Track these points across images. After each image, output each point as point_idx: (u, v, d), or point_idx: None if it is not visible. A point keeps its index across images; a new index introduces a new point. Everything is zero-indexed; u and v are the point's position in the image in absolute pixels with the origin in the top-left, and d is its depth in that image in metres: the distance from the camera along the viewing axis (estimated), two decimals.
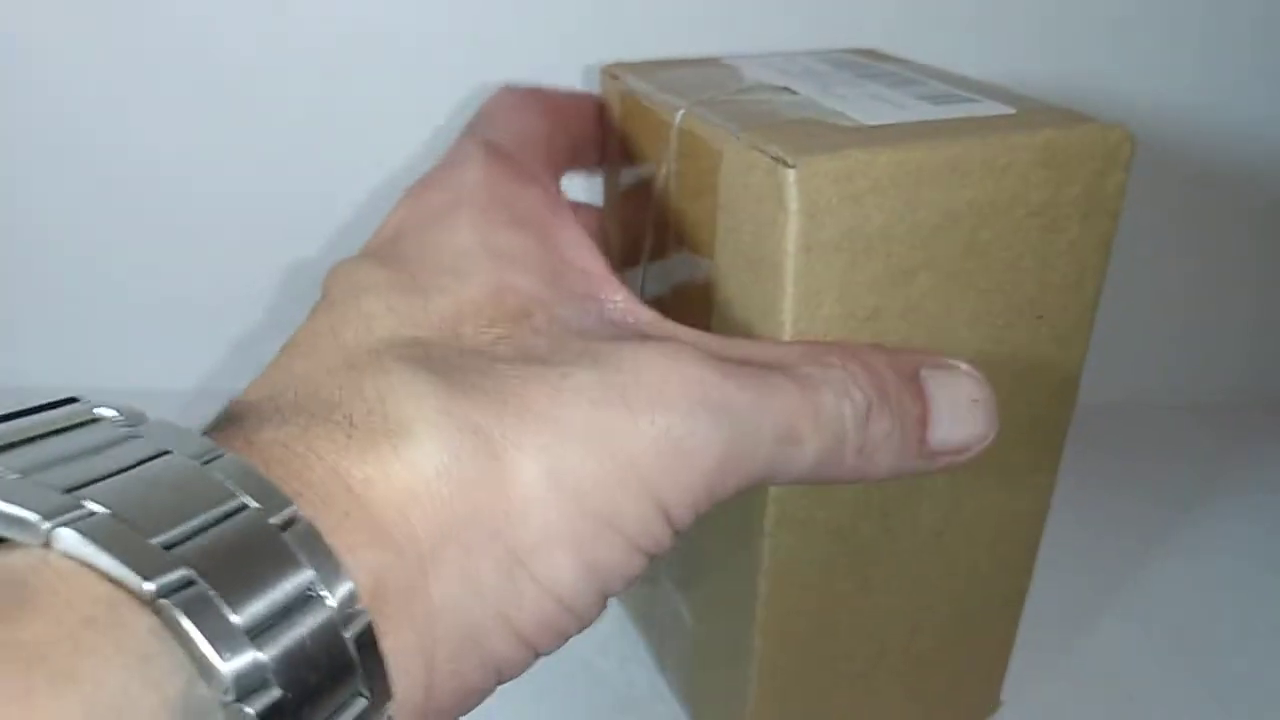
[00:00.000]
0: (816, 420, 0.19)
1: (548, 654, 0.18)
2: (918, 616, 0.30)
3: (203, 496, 0.13)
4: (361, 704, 0.14)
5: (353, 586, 0.14)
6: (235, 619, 0.12)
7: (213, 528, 0.13)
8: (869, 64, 0.32)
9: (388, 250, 0.21)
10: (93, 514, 0.12)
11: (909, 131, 0.23)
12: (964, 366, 0.22)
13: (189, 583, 0.12)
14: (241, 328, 0.48)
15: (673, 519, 0.18)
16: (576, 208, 0.25)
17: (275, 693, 0.13)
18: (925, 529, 0.28)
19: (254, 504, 0.14)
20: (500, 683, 0.18)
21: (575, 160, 0.30)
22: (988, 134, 0.23)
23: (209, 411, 0.17)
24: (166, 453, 0.14)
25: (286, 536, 0.14)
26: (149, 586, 0.12)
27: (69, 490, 0.13)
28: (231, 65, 0.43)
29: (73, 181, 0.45)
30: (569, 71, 0.34)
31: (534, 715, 0.35)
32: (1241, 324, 0.54)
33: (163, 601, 0.12)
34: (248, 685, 0.12)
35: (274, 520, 0.14)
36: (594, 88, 0.32)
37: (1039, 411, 0.28)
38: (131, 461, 0.14)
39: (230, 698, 0.12)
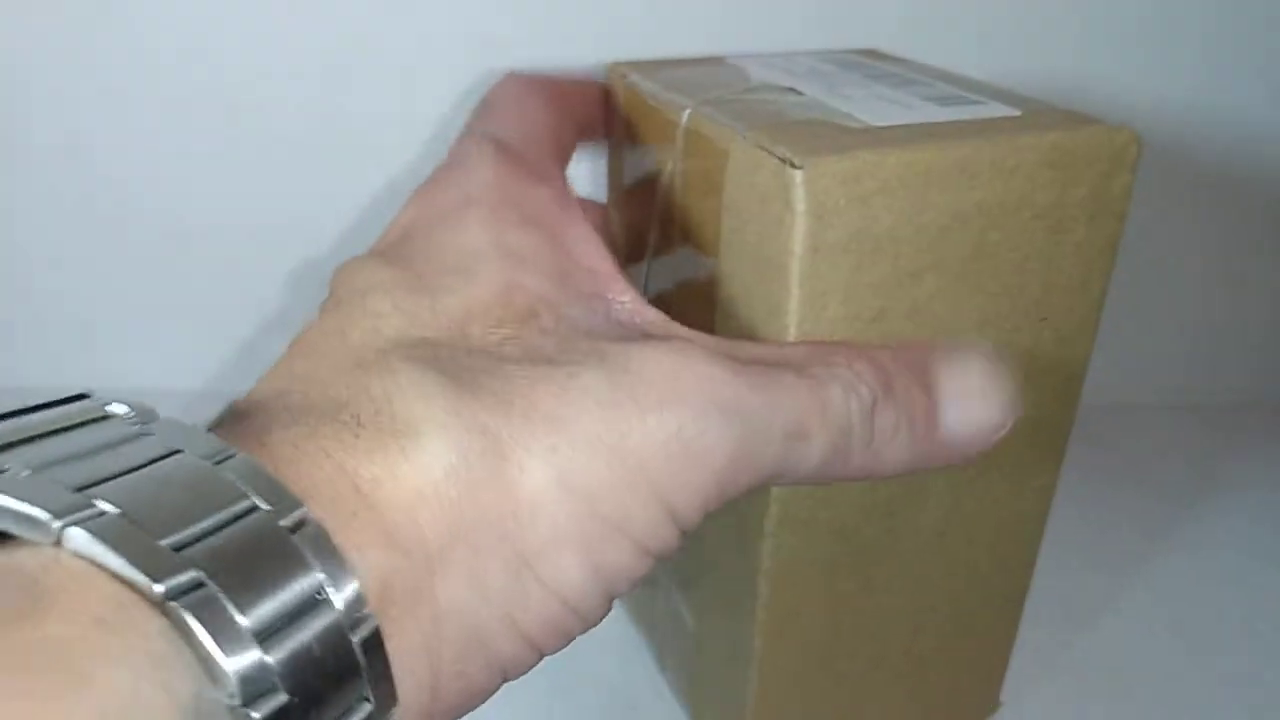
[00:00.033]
0: (824, 417, 0.19)
1: (553, 654, 0.18)
2: (918, 617, 0.30)
3: (213, 497, 0.13)
4: (367, 708, 0.14)
5: (361, 589, 0.14)
6: (244, 621, 0.12)
7: (223, 529, 0.13)
8: (874, 65, 0.32)
9: (396, 250, 0.21)
10: (103, 513, 0.12)
11: (916, 133, 0.23)
12: (976, 356, 0.22)
13: (199, 584, 0.12)
14: (245, 330, 0.47)
15: (681, 520, 0.18)
16: (584, 205, 0.24)
17: (282, 696, 0.12)
18: (926, 529, 0.28)
19: (264, 505, 0.14)
20: (505, 682, 0.18)
21: (581, 139, 0.29)
22: (995, 136, 0.23)
23: (211, 413, 0.17)
24: (177, 452, 0.14)
25: (296, 538, 0.14)
26: (159, 588, 0.12)
27: (79, 489, 0.13)
28: (234, 66, 0.43)
29: (74, 183, 0.45)
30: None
31: (534, 715, 0.35)
32: (1246, 325, 0.54)
33: (172, 603, 0.12)
34: (254, 688, 0.12)
35: (284, 522, 0.14)
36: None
37: (1042, 412, 0.28)
38: (142, 460, 0.14)
39: (237, 701, 0.12)
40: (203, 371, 0.48)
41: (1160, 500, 0.47)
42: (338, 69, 0.43)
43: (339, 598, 0.14)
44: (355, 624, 0.14)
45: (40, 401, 0.15)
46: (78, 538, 0.12)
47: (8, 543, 0.12)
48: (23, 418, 0.14)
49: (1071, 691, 0.37)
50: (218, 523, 0.13)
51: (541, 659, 0.18)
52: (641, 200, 0.30)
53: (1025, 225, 0.24)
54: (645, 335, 0.20)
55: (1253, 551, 0.44)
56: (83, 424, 0.14)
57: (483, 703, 0.17)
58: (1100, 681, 0.37)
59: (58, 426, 0.14)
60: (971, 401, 0.21)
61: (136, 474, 0.13)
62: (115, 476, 0.13)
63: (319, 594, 0.13)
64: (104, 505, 0.12)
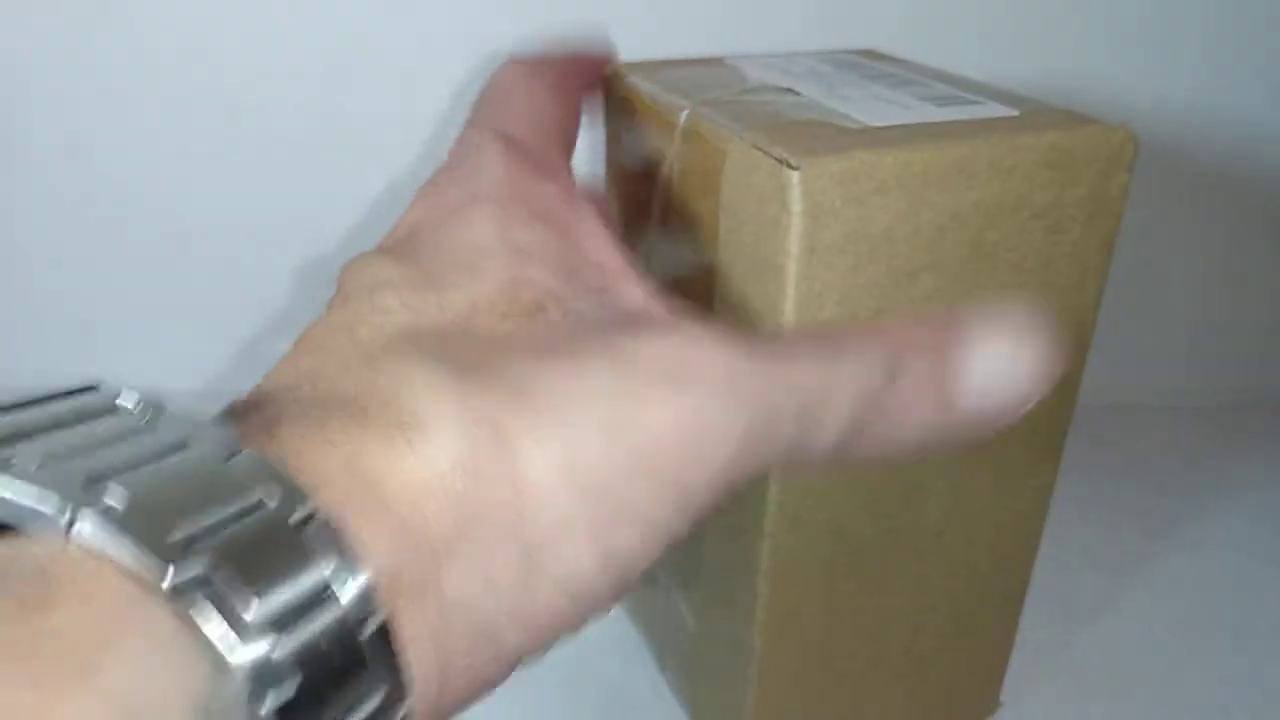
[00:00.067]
0: (837, 396, 0.18)
1: (563, 642, 0.18)
2: (918, 617, 0.30)
3: (223, 490, 0.13)
4: (377, 700, 0.14)
5: (370, 583, 0.14)
6: (254, 613, 0.12)
7: (233, 522, 0.13)
8: (871, 65, 0.32)
9: (403, 247, 0.21)
10: (113, 505, 0.12)
11: (913, 133, 0.23)
12: (1003, 325, 0.20)
13: (209, 576, 0.12)
14: (245, 330, 0.47)
15: (694, 506, 0.18)
16: (590, 195, 0.24)
17: (292, 688, 0.12)
18: (925, 529, 0.28)
19: (274, 498, 0.14)
20: (514, 671, 0.17)
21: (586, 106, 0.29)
22: (993, 136, 0.23)
23: (212, 412, 0.17)
24: (186, 444, 0.14)
25: (306, 532, 0.14)
26: (169, 579, 0.12)
27: (89, 480, 0.13)
28: (234, 66, 0.43)
29: (74, 183, 0.45)
30: None
31: (534, 715, 0.35)
32: (1246, 325, 0.54)
33: (182, 595, 0.12)
34: (264, 680, 0.12)
35: (294, 514, 0.14)
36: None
37: (1039, 412, 0.28)
38: (152, 453, 0.14)
39: (246, 693, 0.12)
40: (203, 371, 0.48)
41: (1160, 500, 0.47)
42: (338, 69, 0.44)
43: (349, 590, 0.14)
44: (365, 616, 0.14)
45: (49, 393, 0.15)
46: (87, 529, 0.12)
47: (17, 534, 0.12)
48: (32, 409, 0.14)
49: (1071, 691, 0.37)
50: (227, 515, 0.13)
51: (551, 647, 0.18)
52: (639, 200, 0.30)
53: (1023, 225, 0.24)
54: (654, 324, 0.19)
55: (1253, 551, 0.44)
56: (92, 416, 0.14)
57: (492, 692, 0.17)
58: (1100, 681, 0.37)
59: (67, 418, 0.14)
60: (996, 375, 0.20)
61: (146, 466, 0.13)
62: (125, 469, 0.13)
63: (328, 586, 0.13)
64: (114, 497, 0.12)
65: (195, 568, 0.12)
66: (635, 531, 0.17)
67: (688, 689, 0.35)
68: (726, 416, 0.17)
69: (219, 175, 0.45)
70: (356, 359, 0.17)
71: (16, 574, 0.12)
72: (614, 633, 0.39)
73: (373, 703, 0.14)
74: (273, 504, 0.14)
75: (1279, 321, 0.54)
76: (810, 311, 0.23)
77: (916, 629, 0.31)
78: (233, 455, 0.14)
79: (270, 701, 0.12)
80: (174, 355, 0.48)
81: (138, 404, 0.15)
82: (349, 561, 0.14)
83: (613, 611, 0.41)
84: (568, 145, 0.25)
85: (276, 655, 0.12)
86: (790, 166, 0.22)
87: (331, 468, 0.15)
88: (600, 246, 0.22)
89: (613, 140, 0.32)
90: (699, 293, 0.27)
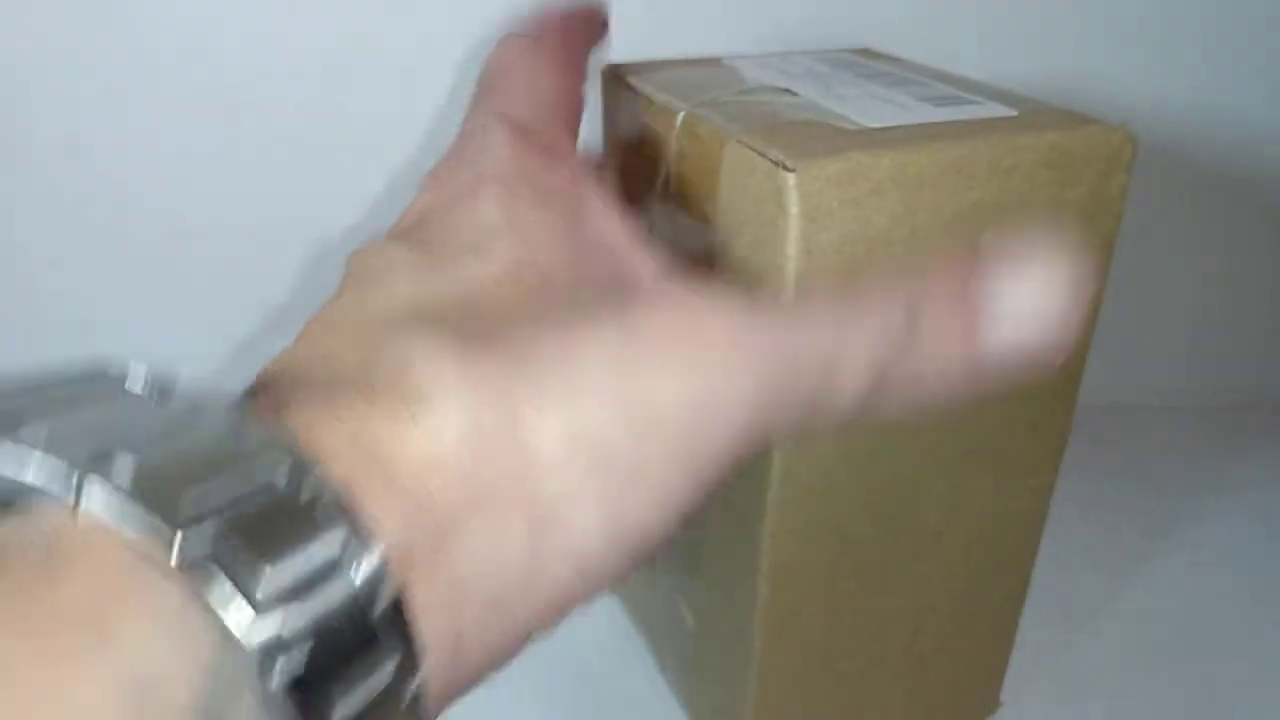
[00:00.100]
0: (853, 353, 0.18)
1: (577, 613, 0.17)
2: (918, 617, 0.30)
3: (232, 463, 0.13)
4: (390, 673, 0.14)
5: (382, 556, 0.14)
6: (264, 586, 0.12)
7: (242, 494, 0.13)
8: (869, 64, 0.32)
9: (412, 232, 0.20)
10: (121, 476, 0.12)
11: (911, 134, 0.23)
12: (1031, 268, 0.19)
13: (218, 548, 0.12)
14: (245, 330, 0.47)
15: (707, 473, 0.17)
16: (596, 171, 0.24)
17: (302, 660, 0.12)
18: (925, 529, 0.28)
19: (284, 471, 0.14)
20: (529, 643, 0.17)
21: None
22: (992, 136, 0.23)
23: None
24: (195, 419, 0.14)
25: (317, 505, 0.14)
26: (178, 550, 0.12)
27: (97, 452, 0.13)
28: (234, 66, 0.43)
29: (74, 183, 0.45)
30: None
31: (534, 715, 0.35)
32: (1244, 325, 0.54)
33: (191, 566, 0.12)
34: (275, 652, 0.12)
35: (304, 488, 0.14)
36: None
37: (1039, 413, 0.28)
38: (160, 427, 0.14)
39: (256, 664, 0.12)
40: (203, 371, 0.48)
41: (1160, 500, 0.47)
42: (338, 69, 0.44)
43: (361, 563, 0.13)
44: (377, 589, 0.14)
45: (56, 371, 0.15)
46: (96, 500, 0.12)
47: (25, 507, 0.12)
48: (40, 386, 0.14)
49: (1071, 691, 0.37)
50: (236, 487, 0.13)
51: (564, 619, 0.17)
52: (636, 201, 0.30)
53: (1023, 226, 0.24)
54: (662, 293, 0.19)
55: (1253, 551, 0.44)
56: (100, 392, 0.14)
57: (507, 665, 0.17)
58: (1100, 681, 0.37)
59: (75, 395, 0.14)
60: (1024, 313, 0.18)
61: (156, 439, 0.13)
62: (134, 441, 0.13)
63: (340, 559, 0.13)
64: (122, 468, 0.12)
65: (205, 539, 0.12)
66: (646, 501, 0.17)
67: (688, 689, 0.35)
68: (737, 381, 0.17)
69: (219, 175, 0.45)
70: (364, 339, 0.17)
71: (25, 546, 0.12)
72: (614, 633, 0.39)
73: (384, 676, 0.14)
74: (282, 477, 0.13)
75: (1279, 321, 0.54)
76: None
77: (916, 629, 0.31)
78: (242, 430, 0.14)
79: (280, 673, 0.12)
80: (174, 355, 0.48)
81: (146, 381, 0.15)
82: (360, 535, 0.14)
83: (613, 611, 0.41)
84: (573, 119, 0.25)
85: (287, 627, 0.12)
86: (786, 169, 0.22)
87: (339, 443, 0.15)
88: (607, 225, 0.21)
89: (609, 140, 0.32)
90: None
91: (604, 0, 0.28)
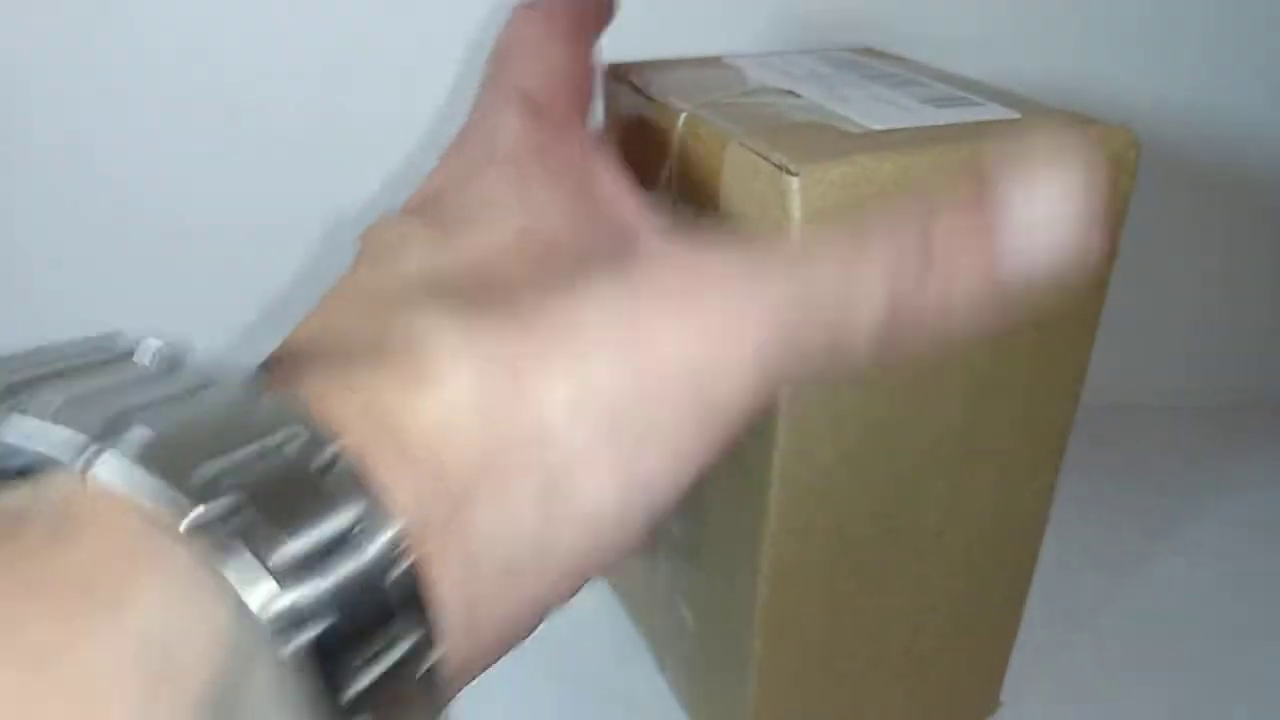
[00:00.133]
0: (865, 289, 0.17)
1: (594, 580, 0.17)
2: (918, 617, 0.30)
3: (246, 431, 0.13)
4: (408, 646, 0.14)
5: (398, 526, 0.14)
6: (282, 556, 0.12)
7: (256, 462, 0.13)
8: (872, 64, 0.32)
9: (425, 208, 0.20)
10: (134, 444, 0.12)
11: (914, 137, 0.23)
12: (1043, 174, 0.18)
13: (234, 514, 0.12)
14: (244, 328, 0.47)
15: (719, 427, 0.17)
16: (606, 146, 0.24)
17: (321, 629, 0.12)
18: (925, 529, 0.28)
19: (298, 440, 0.13)
20: (547, 615, 0.17)
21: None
22: (994, 139, 0.23)
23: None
24: (209, 389, 0.14)
25: (331, 474, 0.13)
26: (193, 516, 0.12)
27: (111, 420, 0.12)
28: (234, 66, 0.43)
29: (74, 183, 0.45)
30: None
31: (534, 715, 0.35)
32: (1244, 325, 0.54)
33: (208, 533, 0.12)
34: (291, 620, 0.12)
35: (318, 457, 0.13)
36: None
37: (1041, 413, 0.28)
38: (174, 394, 0.14)
39: (274, 632, 0.12)
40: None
41: (1160, 500, 0.47)
42: (338, 69, 0.44)
43: (377, 533, 0.13)
44: (393, 561, 0.13)
45: (68, 341, 0.15)
46: (109, 467, 0.12)
47: (39, 474, 0.12)
48: (51, 356, 0.14)
49: (1071, 691, 0.37)
50: (250, 455, 0.13)
51: (581, 588, 0.17)
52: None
53: None
54: (667, 249, 0.18)
55: (1253, 551, 0.44)
56: (114, 359, 0.14)
57: (527, 637, 0.17)
58: (1100, 681, 0.37)
59: (88, 364, 0.14)
60: (1039, 232, 0.18)
61: (169, 406, 0.13)
62: (148, 408, 0.13)
63: (356, 528, 0.13)
64: (136, 436, 0.12)
65: (220, 509, 0.12)
66: (659, 460, 0.16)
67: (688, 689, 0.35)
68: (747, 331, 0.17)
69: (219, 175, 0.45)
70: (374, 312, 0.17)
71: (38, 513, 0.12)
72: (614, 633, 0.39)
73: (402, 649, 0.13)
74: (298, 449, 0.13)
75: (1279, 321, 0.54)
76: None
77: (916, 629, 0.31)
78: (256, 401, 0.14)
79: (297, 645, 0.12)
80: None
81: (159, 351, 0.15)
82: (376, 506, 0.14)
83: (613, 611, 0.41)
84: (584, 93, 0.24)
85: (304, 598, 0.12)
86: (790, 172, 0.22)
87: (351, 414, 0.15)
88: (615, 195, 0.21)
89: (611, 140, 0.32)
90: None
91: None
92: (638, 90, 0.29)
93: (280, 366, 0.16)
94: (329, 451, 0.14)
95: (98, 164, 0.44)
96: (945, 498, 0.28)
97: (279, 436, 0.13)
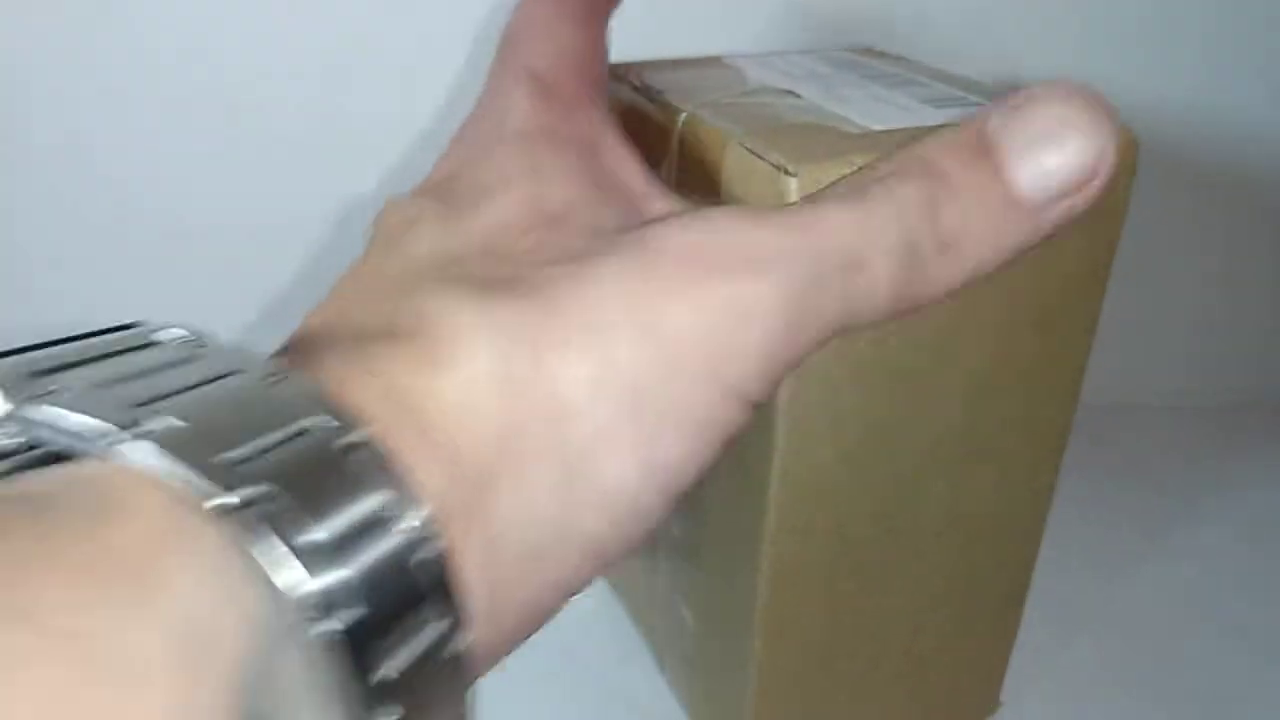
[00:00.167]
0: (878, 237, 0.17)
1: (616, 563, 0.17)
2: (918, 617, 0.30)
3: (272, 415, 0.13)
4: (436, 629, 0.13)
5: (426, 510, 0.14)
6: (309, 538, 0.12)
7: (283, 446, 0.13)
8: (871, 64, 0.32)
9: (437, 189, 0.20)
10: (164, 428, 0.12)
11: (913, 137, 0.23)
12: (1042, 99, 0.18)
13: (263, 499, 0.12)
14: (243, 326, 0.47)
15: (746, 394, 0.17)
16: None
17: (352, 613, 0.12)
18: (926, 530, 0.28)
19: (324, 424, 0.13)
20: (569, 598, 0.17)
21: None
22: None
23: None
24: (233, 373, 0.14)
25: (358, 457, 0.13)
26: (224, 501, 0.12)
27: (137, 406, 0.12)
28: (234, 66, 0.43)
29: (75, 183, 0.45)
30: None
31: (534, 715, 0.35)
32: (1245, 325, 0.54)
33: (239, 516, 0.12)
34: (321, 604, 0.12)
35: (344, 441, 0.13)
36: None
37: (1040, 413, 0.28)
38: (199, 380, 0.14)
39: (306, 616, 0.12)
40: None
41: (1160, 500, 0.47)
42: (338, 69, 0.44)
43: (405, 517, 0.13)
44: (420, 544, 0.13)
45: (91, 329, 0.15)
46: (140, 452, 0.12)
47: (72, 459, 0.12)
48: (75, 342, 0.14)
49: (1071, 691, 0.37)
50: (277, 440, 0.13)
51: (605, 570, 0.17)
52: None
53: None
54: (676, 218, 0.18)
55: (1253, 551, 0.44)
56: (138, 347, 0.14)
57: (548, 621, 0.17)
58: (1100, 681, 0.37)
59: (113, 350, 0.14)
60: (1046, 152, 0.17)
61: (195, 392, 0.13)
62: (174, 394, 0.13)
63: (384, 512, 0.13)
64: (162, 422, 0.12)
65: (249, 490, 0.12)
66: (678, 436, 0.16)
67: (688, 689, 0.35)
68: (761, 298, 0.16)
69: (219, 175, 0.45)
70: (389, 294, 0.17)
71: (72, 498, 0.12)
72: (614, 633, 0.39)
73: (431, 634, 0.13)
74: (324, 434, 0.13)
75: (1279, 321, 0.54)
76: None
77: (916, 629, 0.31)
78: (280, 386, 0.14)
79: (328, 628, 0.12)
80: None
81: (182, 336, 0.15)
82: (404, 488, 0.14)
83: (613, 611, 0.41)
84: (595, 71, 0.24)
85: (334, 583, 0.12)
86: (788, 173, 0.22)
87: (371, 398, 0.15)
88: (624, 168, 0.21)
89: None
90: None
91: None
92: (638, 90, 0.29)
93: (296, 352, 0.16)
94: (354, 436, 0.14)
95: (98, 164, 0.44)
96: (945, 498, 0.28)
97: (304, 422, 0.13)
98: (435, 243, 0.18)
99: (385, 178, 0.45)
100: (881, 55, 0.33)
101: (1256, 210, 0.51)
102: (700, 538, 0.31)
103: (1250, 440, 0.52)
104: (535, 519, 0.15)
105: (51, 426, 0.12)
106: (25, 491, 0.12)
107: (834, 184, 0.18)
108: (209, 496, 0.12)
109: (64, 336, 0.14)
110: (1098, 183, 0.18)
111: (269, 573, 0.12)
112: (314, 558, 0.12)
